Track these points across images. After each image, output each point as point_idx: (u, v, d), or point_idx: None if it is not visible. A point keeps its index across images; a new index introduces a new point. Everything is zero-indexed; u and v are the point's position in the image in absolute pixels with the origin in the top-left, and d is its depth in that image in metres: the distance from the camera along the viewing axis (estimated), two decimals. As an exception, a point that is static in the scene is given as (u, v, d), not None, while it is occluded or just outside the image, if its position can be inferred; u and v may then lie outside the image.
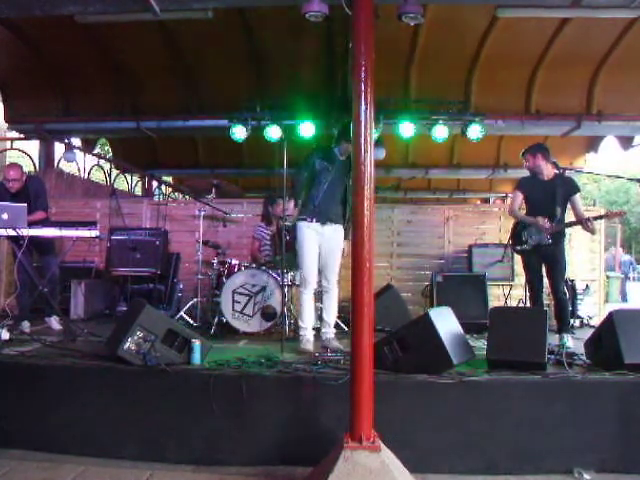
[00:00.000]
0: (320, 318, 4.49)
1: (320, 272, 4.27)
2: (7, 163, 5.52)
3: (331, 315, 4.31)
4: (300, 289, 4.40)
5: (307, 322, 4.23)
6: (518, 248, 4.59)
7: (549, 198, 4.39)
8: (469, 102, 7.60)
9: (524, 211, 4.67)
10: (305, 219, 4.20)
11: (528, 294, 4.60)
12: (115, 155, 11.30)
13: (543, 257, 4.44)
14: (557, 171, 4.49)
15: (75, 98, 8.13)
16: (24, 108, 8.02)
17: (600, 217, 4.60)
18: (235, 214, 6.31)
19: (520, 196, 4.59)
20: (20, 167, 4.85)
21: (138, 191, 13.16)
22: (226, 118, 7.23)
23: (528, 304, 4.73)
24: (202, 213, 5.56)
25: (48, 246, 4.86)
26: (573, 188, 4.46)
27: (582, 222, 4.29)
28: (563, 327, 4.36)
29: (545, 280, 4.49)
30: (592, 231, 4.32)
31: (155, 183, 13.23)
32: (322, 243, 4.22)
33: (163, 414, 3.19)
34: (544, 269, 4.48)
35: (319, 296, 4.66)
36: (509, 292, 6.12)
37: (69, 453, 3.16)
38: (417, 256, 6.78)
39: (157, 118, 7.92)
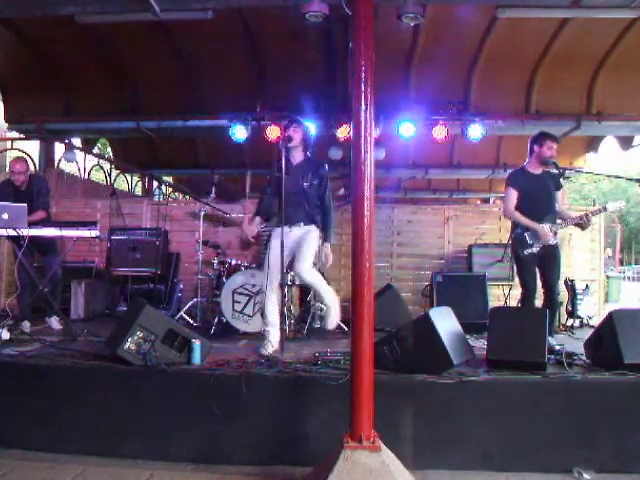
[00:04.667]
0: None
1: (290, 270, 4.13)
2: (8, 162, 5.59)
3: (324, 297, 4.04)
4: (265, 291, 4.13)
5: (270, 322, 4.04)
6: (526, 253, 4.27)
7: (546, 193, 4.30)
8: (469, 102, 7.60)
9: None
10: (275, 227, 4.05)
11: (523, 295, 4.34)
12: (115, 155, 11.30)
13: (542, 257, 4.29)
14: (557, 171, 4.44)
15: (75, 98, 8.12)
16: (24, 108, 8.01)
17: (586, 216, 4.32)
18: (235, 214, 6.31)
19: (515, 194, 4.33)
20: (25, 161, 5.01)
21: (138, 191, 13.15)
22: (226, 118, 7.23)
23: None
24: (202, 213, 5.56)
25: (50, 246, 4.86)
26: (559, 183, 4.40)
27: (581, 218, 4.26)
28: (551, 330, 4.27)
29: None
30: (585, 226, 4.30)
31: (155, 183, 13.23)
32: (288, 243, 4.05)
33: (163, 414, 3.19)
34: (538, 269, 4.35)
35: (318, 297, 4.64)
36: (509, 292, 6.09)
37: (69, 453, 3.16)
38: (417, 256, 6.77)
39: (157, 118, 7.91)
